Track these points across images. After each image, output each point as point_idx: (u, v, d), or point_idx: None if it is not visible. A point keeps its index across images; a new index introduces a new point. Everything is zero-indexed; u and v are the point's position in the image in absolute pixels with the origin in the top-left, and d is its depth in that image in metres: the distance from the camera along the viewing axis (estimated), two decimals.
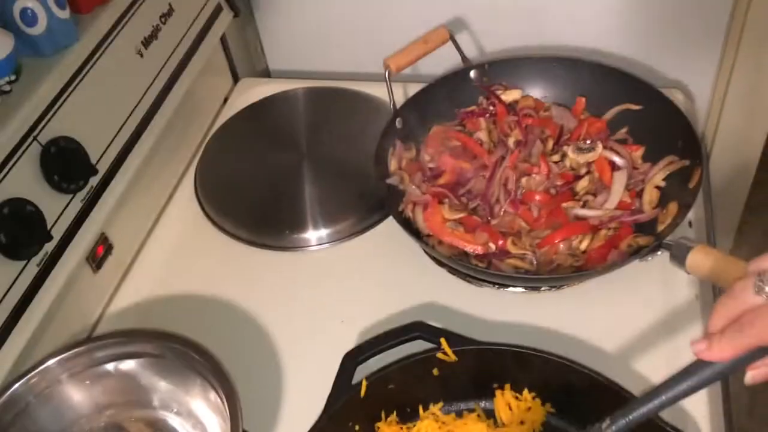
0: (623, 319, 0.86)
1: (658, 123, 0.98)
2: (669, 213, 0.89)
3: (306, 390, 0.83)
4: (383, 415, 0.76)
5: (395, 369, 0.75)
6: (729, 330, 0.51)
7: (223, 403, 0.71)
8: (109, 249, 0.95)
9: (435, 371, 0.76)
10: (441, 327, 0.79)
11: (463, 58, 1.07)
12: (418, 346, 0.78)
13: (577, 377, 0.73)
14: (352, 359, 0.77)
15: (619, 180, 0.94)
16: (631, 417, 0.60)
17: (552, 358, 0.74)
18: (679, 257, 0.78)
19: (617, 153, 0.97)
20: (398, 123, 1.02)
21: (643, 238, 0.88)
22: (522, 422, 0.76)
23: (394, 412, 0.76)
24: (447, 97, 1.07)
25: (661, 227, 0.89)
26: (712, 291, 0.89)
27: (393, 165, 1.01)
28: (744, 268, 0.58)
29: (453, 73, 1.07)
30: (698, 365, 0.55)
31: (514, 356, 0.75)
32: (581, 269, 0.87)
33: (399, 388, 0.76)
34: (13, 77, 0.80)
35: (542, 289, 0.91)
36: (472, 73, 1.07)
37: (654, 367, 0.80)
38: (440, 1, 1.20)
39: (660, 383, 0.58)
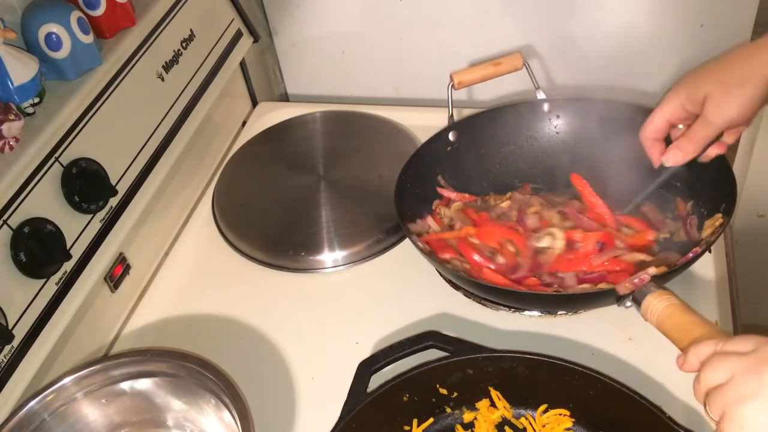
0: (641, 342, 0.85)
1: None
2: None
3: (319, 410, 0.82)
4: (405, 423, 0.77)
5: (409, 377, 0.75)
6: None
7: (236, 423, 0.71)
8: (127, 269, 0.96)
9: (449, 379, 0.77)
10: (454, 336, 0.79)
11: (536, 86, 1.03)
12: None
13: (596, 386, 0.73)
14: (367, 368, 0.77)
15: None
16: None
17: (569, 366, 0.74)
18: (638, 300, 0.75)
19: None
20: (452, 135, 1.01)
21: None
22: None
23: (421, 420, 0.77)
24: (511, 124, 1.03)
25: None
26: (732, 314, 0.89)
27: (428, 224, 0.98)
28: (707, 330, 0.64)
29: (525, 102, 1.03)
30: None
31: (531, 364, 0.75)
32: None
33: (413, 396, 0.76)
34: (36, 100, 0.82)
35: (558, 313, 0.90)
36: (545, 106, 1.03)
37: (671, 393, 0.80)
38: (456, 32, 1.21)
39: None
